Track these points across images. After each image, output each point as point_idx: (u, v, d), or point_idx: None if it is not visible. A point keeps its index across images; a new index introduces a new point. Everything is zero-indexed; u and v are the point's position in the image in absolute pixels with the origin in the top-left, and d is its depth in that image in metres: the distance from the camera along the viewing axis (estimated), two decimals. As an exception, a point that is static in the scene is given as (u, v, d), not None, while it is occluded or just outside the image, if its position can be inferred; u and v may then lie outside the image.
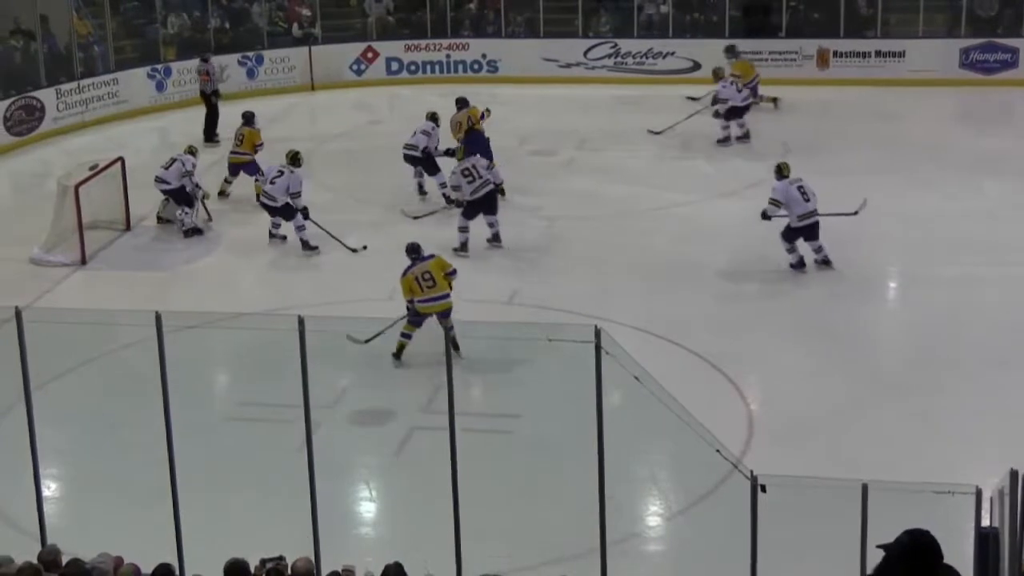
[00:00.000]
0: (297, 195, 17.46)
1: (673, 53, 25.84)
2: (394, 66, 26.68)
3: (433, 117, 19.64)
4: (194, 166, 18.39)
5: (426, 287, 14.13)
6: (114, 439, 12.94)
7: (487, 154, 18.91)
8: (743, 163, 20.94)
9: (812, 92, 24.86)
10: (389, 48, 26.72)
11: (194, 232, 18.28)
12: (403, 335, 14.27)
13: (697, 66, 25.72)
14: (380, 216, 18.60)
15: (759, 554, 8.67)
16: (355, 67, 26.60)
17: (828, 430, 12.67)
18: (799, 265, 16.65)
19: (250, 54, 26.04)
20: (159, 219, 18.75)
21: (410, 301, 14.17)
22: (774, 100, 23.76)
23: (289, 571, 8.57)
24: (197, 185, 18.49)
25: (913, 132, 22.57)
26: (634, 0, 26.36)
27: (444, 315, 14.13)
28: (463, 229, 17.30)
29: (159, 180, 18.32)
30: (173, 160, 18.43)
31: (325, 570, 9.11)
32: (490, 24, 27.07)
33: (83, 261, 17.54)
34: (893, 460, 11.56)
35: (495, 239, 17.57)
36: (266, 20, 26.58)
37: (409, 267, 14.33)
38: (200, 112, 22.99)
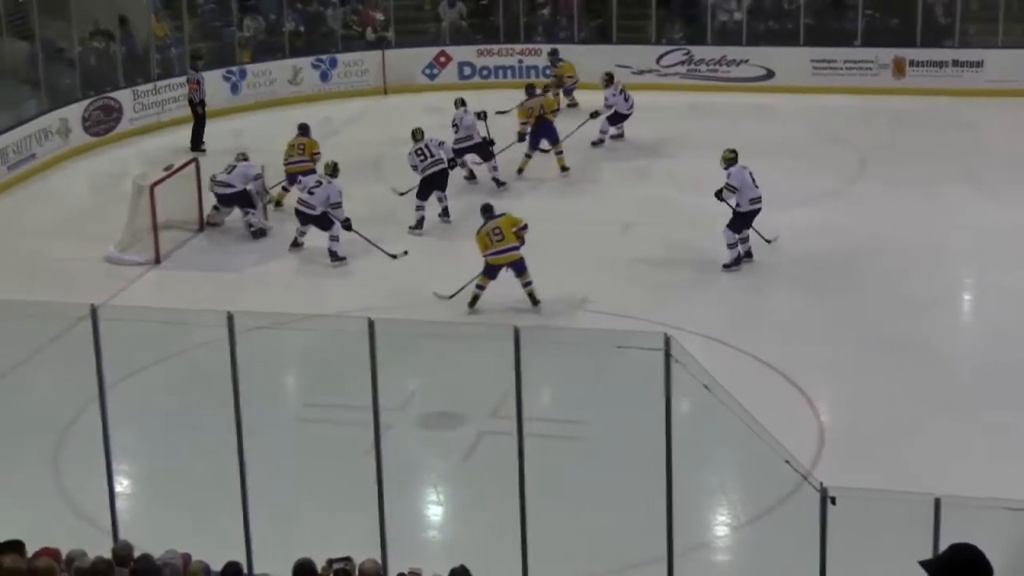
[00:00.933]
0: (338, 206, 17.55)
1: (747, 61, 25.72)
2: (467, 71, 26.73)
3: (462, 102, 20.63)
4: (263, 168, 18.54)
5: (495, 241, 15.74)
6: (185, 437, 13.04)
7: (555, 141, 20.74)
8: (815, 172, 20.81)
9: (887, 101, 24.64)
10: (462, 53, 26.78)
11: (261, 233, 18.39)
12: (478, 287, 15.86)
13: (771, 74, 25.61)
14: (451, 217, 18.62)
15: (828, 567, 8.61)
16: (428, 71, 26.68)
17: (900, 443, 12.55)
18: (735, 264, 16.77)
19: (324, 57, 26.19)
20: (208, 223, 18.84)
21: (485, 255, 15.76)
22: (575, 105, 23.83)
23: (356, 572, 8.60)
24: (265, 189, 18.61)
25: (990, 143, 22.33)
26: (708, 7, 26.28)
27: (519, 270, 15.84)
28: (419, 208, 18.63)
29: (221, 184, 18.41)
30: (234, 166, 18.53)
31: (392, 572, 9.15)
32: (563, 30, 27.07)
33: (157, 261, 17.70)
34: (966, 475, 11.42)
35: (444, 213, 18.81)
36: (340, 24, 26.73)
37: (482, 225, 15.87)
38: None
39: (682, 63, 26.09)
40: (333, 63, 26.22)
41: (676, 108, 24.46)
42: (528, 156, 20.79)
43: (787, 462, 8.97)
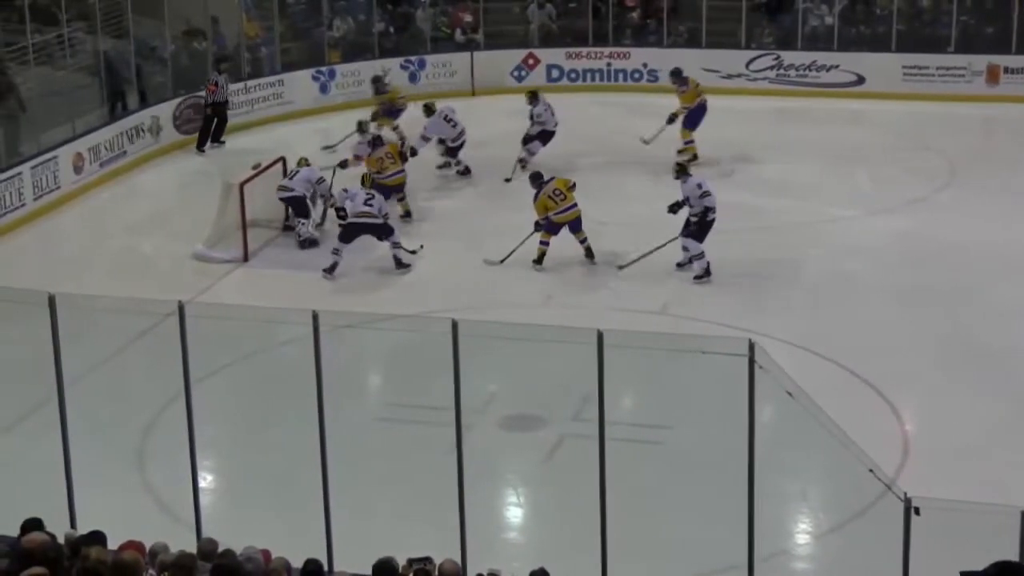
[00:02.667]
0: (387, 216, 17.68)
1: (837, 66, 25.48)
2: (555, 73, 26.70)
3: (431, 109, 21.00)
4: (324, 177, 18.58)
5: (559, 200, 17.09)
6: (268, 435, 13.16)
7: (697, 123, 21.42)
8: (904, 179, 20.61)
9: (980, 108, 24.33)
10: (550, 55, 26.75)
11: (310, 243, 18.20)
12: (542, 243, 17.14)
13: (861, 80, 25.36)
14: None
15: (911, 578, 8.52)
16: (516, 73, 26.69)
17: (987, 455, 12.38)
18: (706, 274, 16.62)
19: (413, 58, 26.27)
20: (287, 227, 18.76)
21: (545, 218, 17.07)
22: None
23: (436, 572, 8.62)
24: (330, 193, 18.55)
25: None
26: (799, 11, 26.06)
27: (577, 227, 17.16)
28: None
29: (283, 188, 18.44)
30: (297, 171, 18.59)
31: (471, 573, 9.17)
32: (652, 33, 26.98)
33: (245, 258, 17.84)
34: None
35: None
36: (430, 25, 26.82)
37: (538, 192, 17.14)
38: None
39: (771, 68, 25.89)
40: (422, 64, 26.30)
41: (765, 113, 24.32)
42: (691, 142, 21.42)
43: (871, 471, 8.89)
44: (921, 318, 15.54)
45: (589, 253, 17.24)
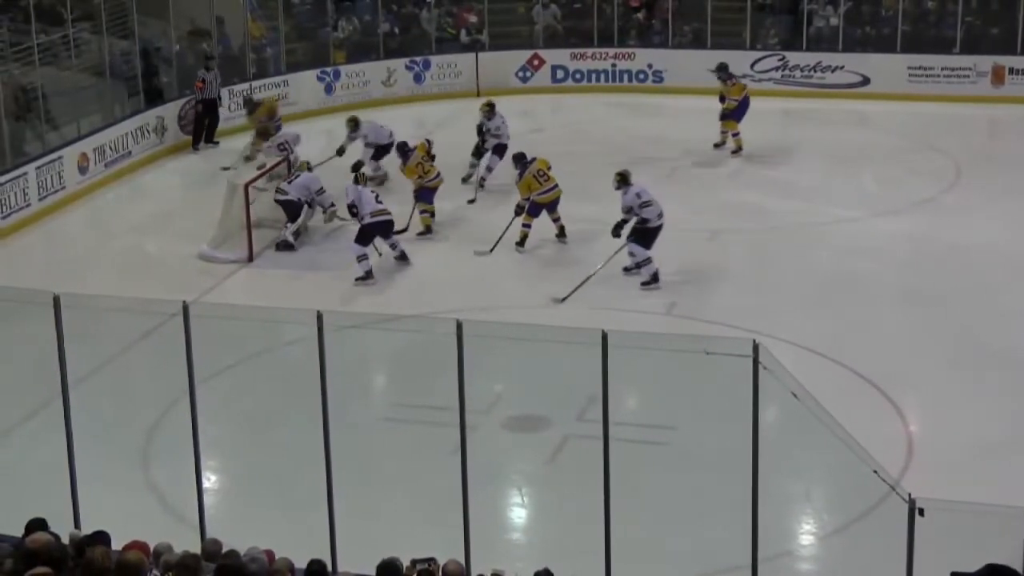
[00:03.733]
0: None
1: (842, 67, 25.47)
2: (559, 74, 26.73)
3: (356, 124, 21.19)
4: (324, 188, 18.55)
5: (543, 181, 17.68)
6: (272, 435, 13.15)
7: (742, 116, 21.98)
8: (910, 180, 20.60)
9: (985, 109, 24.33)
10: (555, 56, 26.78)
11: (285, 246, 18.17)
12: (524, 226, 17.72)
13: (866, 80, 25.35)
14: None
15: (915, 580, 8.51)
16: (521, 74, 26.71)
17: (992, 456, 12.35)
18: (654, 280, 16.50)
19: (418, 59, 26.30)
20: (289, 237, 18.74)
21: (526, 199, 17.61)
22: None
23: (440, 573, 8.62)
24: (332, 204, 18.52)
25: (1089, 153, 21.96)
26: (804, 12, 26.03)
27: (554, 208, 17.79)
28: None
29: (279, 191, 18.40)
30: (297, 175, 18.61)
31: (475, 573, 9.16)
32: (657, 34, 26.98)
33: (250, 259, 17.84)
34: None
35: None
36: (435, 26, 26.83)
37: (522, 172, 17.77)
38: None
39: (776, 69, 25.89)
40: (427, 65, 26.33)
41: (770, 114, 24.25)
42: (737, 134, 21.81)
43: (875, 472, 8.88)
44: (926, 319, 15.53)
45: (562, 233, 17.91)
